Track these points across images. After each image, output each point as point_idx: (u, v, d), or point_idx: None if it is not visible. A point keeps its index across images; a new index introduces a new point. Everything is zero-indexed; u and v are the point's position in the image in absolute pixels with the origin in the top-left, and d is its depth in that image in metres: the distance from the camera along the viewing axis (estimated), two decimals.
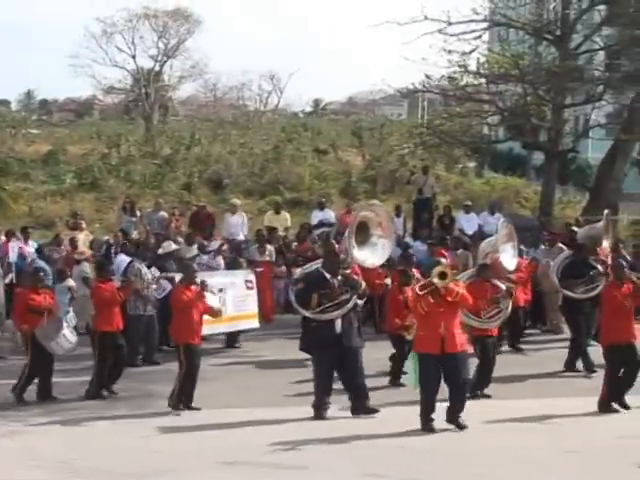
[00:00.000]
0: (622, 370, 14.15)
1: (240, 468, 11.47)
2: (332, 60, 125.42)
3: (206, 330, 15.81)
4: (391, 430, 12.92)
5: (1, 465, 11.47)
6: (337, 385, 14.06)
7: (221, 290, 18.14)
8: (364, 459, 11.75)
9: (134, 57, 55.34)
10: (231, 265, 20.56)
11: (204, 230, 23.00)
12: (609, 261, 17.30)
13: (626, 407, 14.16)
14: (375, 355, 15.71)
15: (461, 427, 13.03)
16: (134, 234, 23.68)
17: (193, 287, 14.64)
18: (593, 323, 16.98)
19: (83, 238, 22.97)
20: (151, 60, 56.04)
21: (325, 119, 70.47)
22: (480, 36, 29.38)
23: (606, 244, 18.72)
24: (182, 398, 14.21)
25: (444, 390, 13.12)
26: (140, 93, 55.43)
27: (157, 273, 18.44)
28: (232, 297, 18.98)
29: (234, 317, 18.97)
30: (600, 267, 16.94)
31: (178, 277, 16.41)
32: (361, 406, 13.85)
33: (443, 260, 14.16)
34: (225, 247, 21.65)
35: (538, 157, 39.70)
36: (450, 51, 27.95)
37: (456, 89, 29.44)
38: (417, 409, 13.07)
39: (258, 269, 20.82)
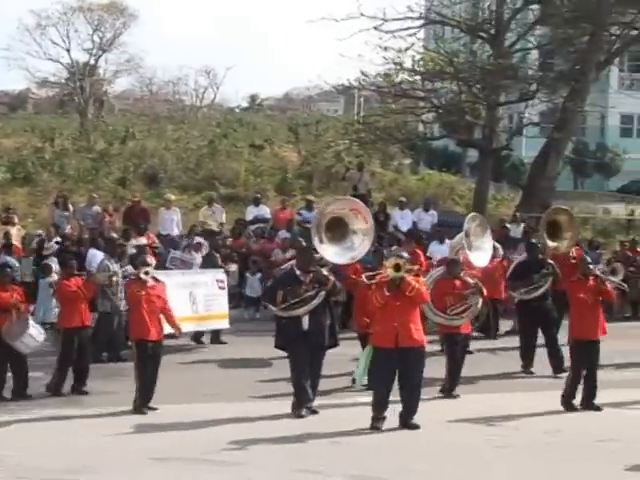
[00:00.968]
0: (584, 372, 14.05)
1: (171, 464, 11.35)
2: (269, 56, 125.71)
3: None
4: (341, 428, 12.67)
5: None
6: None
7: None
8: (301, 456, 11.61)
9: (69, 50, 55.13)
10: (206, 260, 20.47)
11: (138, 225, 22.82)
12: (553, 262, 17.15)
13: (598, 409, 14.01)
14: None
15: (413, 428, 12.68)
16: (67, 229, 23.50)
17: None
18: (559, 321, 17.05)
19: (15, 233, 22.75)
20: (86, 54, 55.88)
21: (261, 115, 70.42)
22: (415, 33, 29.69)
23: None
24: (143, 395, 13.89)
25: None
26: (75, 87, 55.04)
27: (132, 270, 18.07)
28: (203, 296, 18.79)
29: (204, 317, 18.78)
30: (554, 267, 16.84)
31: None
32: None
33: (405, 254, 13.64)
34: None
35: (473, 154, 40.07)
36: (386, 48, 28.17)
37: (391, 86, 29.59)
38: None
39: None
